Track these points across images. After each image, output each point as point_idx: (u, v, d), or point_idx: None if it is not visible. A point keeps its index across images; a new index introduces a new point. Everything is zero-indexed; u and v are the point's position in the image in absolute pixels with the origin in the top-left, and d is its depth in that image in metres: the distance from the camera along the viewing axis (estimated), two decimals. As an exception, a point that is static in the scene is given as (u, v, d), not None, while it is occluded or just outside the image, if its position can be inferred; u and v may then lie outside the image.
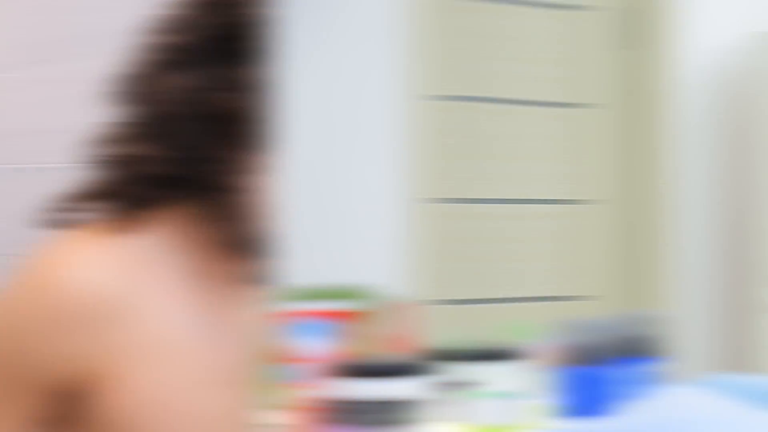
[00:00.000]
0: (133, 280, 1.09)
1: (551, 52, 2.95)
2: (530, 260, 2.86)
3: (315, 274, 2.10)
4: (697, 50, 3.19)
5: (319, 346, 1.39)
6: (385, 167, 2.52)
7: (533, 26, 2.90)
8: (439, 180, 2.68)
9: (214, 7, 1.20)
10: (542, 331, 1.85)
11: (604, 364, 1.26)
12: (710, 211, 3.29)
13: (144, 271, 1.11)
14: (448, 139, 2.72)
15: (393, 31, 2.54)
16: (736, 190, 3.34)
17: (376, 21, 2.52)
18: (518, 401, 1.29)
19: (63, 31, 2.45)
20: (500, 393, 1.33)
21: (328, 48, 2.42)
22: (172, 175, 1.14)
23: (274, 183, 1.33)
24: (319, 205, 2.41)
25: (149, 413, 1.09)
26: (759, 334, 3.21)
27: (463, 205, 2.76)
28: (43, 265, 1.08)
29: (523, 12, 2.88)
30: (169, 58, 1.18)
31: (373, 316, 1.58)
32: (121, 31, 1.15)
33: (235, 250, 1.21)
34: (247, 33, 1.20)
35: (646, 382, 1.29)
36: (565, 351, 1.26)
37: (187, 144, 1.14)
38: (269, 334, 1.52)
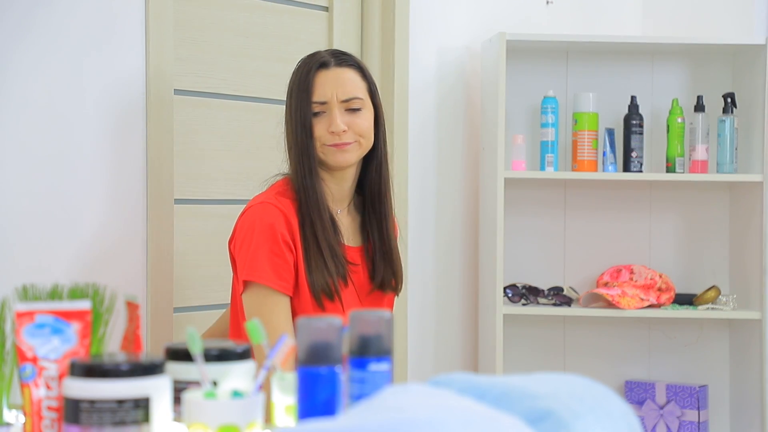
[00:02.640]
0: None
1: (286, 51, 2.98)
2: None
3: (50, 274, 2.03)
4: (434, 51, 3.30)
5: (54, 346, 1.35)
6: (121, 166, 2.48)
7: (268, 22, 2.92)
8: (178, 180, 2.66)
9: None
10: (276, 332, 1.87)
11: (336, 364, 1.28)
12: (442, 211, 3.41)
13: None
14: (186, 138, 2.70)
15: (128, 22, 2.49)
16: (468, 191, 3.48)
17: (109, 11, 2.46)
18: (252, 400, 1.30)
19: None
20: (234, 392, 1.34)
21: (50, 42, 2.36)
22: None
23: None
24: (51, 205, 2.34)
25: None
26: (490, 335, 3.35)
27: (201, 205, 2.75)
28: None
29: (260, 6, 2.89)
30: None
31: (108, 317, 1.55)
32: None
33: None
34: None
35: (378, 381, 1.32)
36: (298, 351, 1.28)
37: None
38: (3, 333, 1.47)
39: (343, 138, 2.23)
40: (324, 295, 2.20)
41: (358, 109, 2.25)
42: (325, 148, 2.24)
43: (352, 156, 2.26)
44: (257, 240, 2.18)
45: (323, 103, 2.24)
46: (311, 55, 2.31)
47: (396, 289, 2.35)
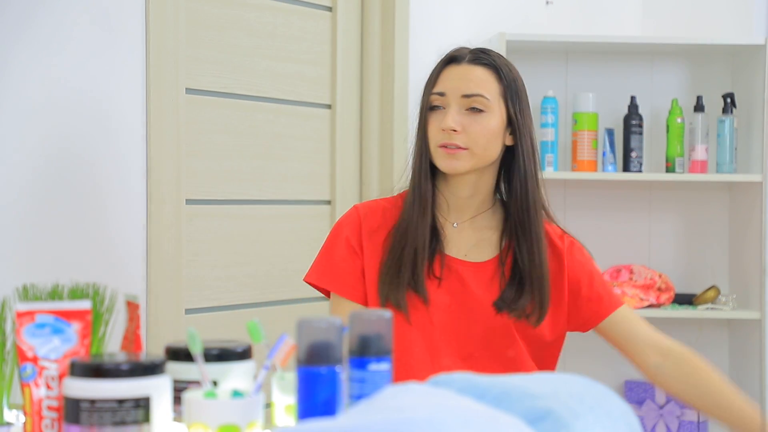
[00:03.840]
0: None
1: (304, 52, 2.99)
2: (275, 263, 2.87)
3: (50, 274, 2.03)
4: (434, 51, 3.30)
5: (54, 345, 1.35)
6: (121, 166, 2.48)
7: (277, 22, 2.92)
8: (190, 180, 2.66)
9: None
10: (277, 332, 1.87)
11: (336, 364, 1.28)
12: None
13: None
14: (198, 137, 2.70)
15: (136, 22, 2.49)
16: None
17: (109, 10, 2.46)
18: (252, 400, 1.30)
19: None
20: (234, 392, 1.34)
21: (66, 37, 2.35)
22: None
23: None
24: (52, 204, 2.34)
25: None
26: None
27: (213, 206, 2.75)
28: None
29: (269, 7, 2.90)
30: None
31: (108, 317, 1.55)
32: None
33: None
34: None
35: (378, 381, 1.32)
36: (298, 351, 1.28)
37: None
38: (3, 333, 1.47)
39: (454, 139, 1.97)
40: (391, 306, 1.98)
41: (481, 111, 1.98)
42: (437, 150, 2.00)
43: (462, 164, 1.98)
44: (326, 240, 2.09)
45: (442, 95, 2.01)
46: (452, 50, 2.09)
47: (531, 318, 2.03)
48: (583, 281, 2.07)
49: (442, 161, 1.99)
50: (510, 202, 2.05)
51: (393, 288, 1.98)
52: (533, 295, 2.01)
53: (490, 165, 2.04)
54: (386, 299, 1.98)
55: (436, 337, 2.00)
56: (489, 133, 1.98)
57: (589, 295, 2.08)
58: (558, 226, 2.10)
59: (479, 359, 2.01)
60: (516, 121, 2.01)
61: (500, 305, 2.01)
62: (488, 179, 2.05)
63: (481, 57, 2.02)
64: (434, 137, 2.00)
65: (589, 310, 2.09)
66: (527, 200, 2.02)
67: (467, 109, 1.98)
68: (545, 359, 2.10)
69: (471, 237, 2.06)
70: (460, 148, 1.97)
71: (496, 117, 2.00)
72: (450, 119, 1.97)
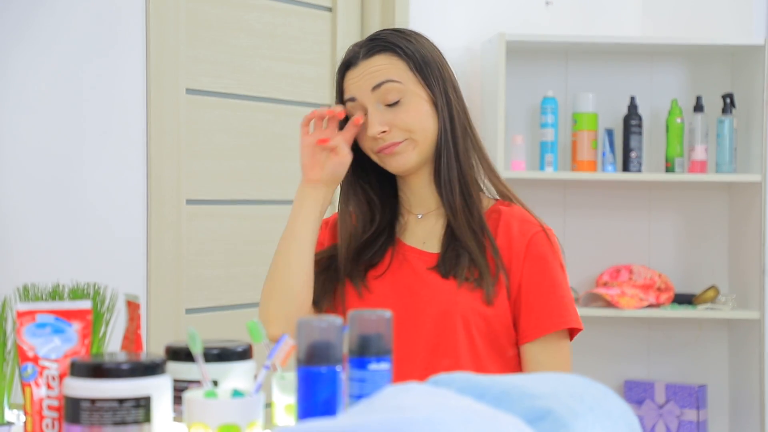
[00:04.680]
0: None
1: (305, 52, 2.99)
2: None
3: (50, 274, 2.04)
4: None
5: (54, 345, 1.35)
6: (122, 166, 2.48)
7: (277, 22, 2.93)
8: (191, 180, 2.66)
9: None
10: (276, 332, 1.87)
11: (336, 364, 1.28)
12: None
13: None
14: (199, 138, 2.70)
15: (138, 24, 2.50)
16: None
17: (109, 10, 2.47)
18: (252, 400, 1.30)
19: None
20: (235, 392, 1.34)
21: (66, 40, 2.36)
22: None
23: None
24: (52, 204, 2.34)
25: None
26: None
27: (214, 206, 2.76)
28: None
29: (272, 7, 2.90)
30: None
31: (109, 316, 1.56)
32: None
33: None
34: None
35: (378, 381, 1.32)
36: (298, 351, 1.29)
37: None
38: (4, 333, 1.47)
39: (387, 139, 1.82)
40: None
41: (398, 101, 1.80)
42: (377, 157, 1.85)
43: (408, 158, 1.83)
44: None
45: (353, 100, 1.83)
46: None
47: (478, 289, 1.80)
48: (528, 287, 1.84)
49: (387, 164, 1.84)
50: (441, 187, 1.85)
51: (326, 282, 1.87)
52: (471, 260, 1.80)
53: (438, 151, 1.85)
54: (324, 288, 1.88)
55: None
56: (419, 115, 1.80)
57: (529, 305, 1.83)
58: (526, 211, 1.91)
59: (424, 356, 1.82)
60: (433, 90, 1.81)
61: (440, 268, 1.81)
62: (430, 152, 1.86)
63: (374, 45, 1.83)
64: (368, 147, 1.84)
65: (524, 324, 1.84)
66: (458, 181, 1.83)
67: (386, 106, 1.80)
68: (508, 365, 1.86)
69: (435, 226, 1.88)
70: (396, 143, 1.81)
71: (417, 97, 1.81)
72: (374, 123, 1.80)
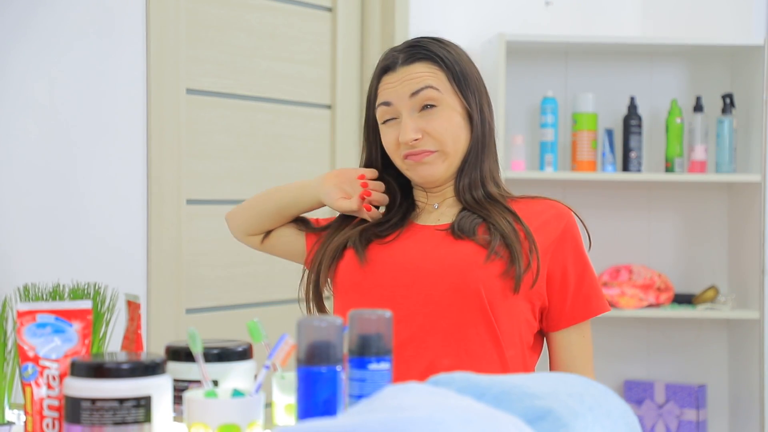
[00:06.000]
0: None
1: (303, 52, 2.99)
2: (275, 263, 2.87)
3: (50, 274, 2.04)
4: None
5: (55, 345, 1.35)
6: (121, 166, 2.48)
7: (278, 23, 2.93)
8: (191, 180, 2.66)
9: None
10: (277, 332, 1.87)
11: (336, 363, 1.28)
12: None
13: None
14: (199, 138, 2.70)
15: (136, 21, 2.50)
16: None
17: (110, 10, 2.47)
18: (252, 400, 1.30)
19: None
20: (235, 392, 1.34)
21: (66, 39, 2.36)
22: None
23: None
24: (52, 204, 2.34)
25: None
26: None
27: (215, 206, 2.76)
28: None
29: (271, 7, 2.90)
30: None
31: (109, 316, 1.56)
32: None
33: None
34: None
35: (378, 380, 1.32)
36: (298, 351, 1.29)
37: None
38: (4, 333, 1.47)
39: (418, 146, 1.79)
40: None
41: (434, 106, 1.78)
42: (404, 163, 1.83)
43: (437, 169, 1.81)
44: None
45: (388, 104, 1.81)
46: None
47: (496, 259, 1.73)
48: (569, 276, 1.84)
49: (414, 172, 1.82)
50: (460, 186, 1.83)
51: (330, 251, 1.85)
52: (503, 238, 1.75)
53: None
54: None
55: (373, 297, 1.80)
56: (452, 127, 1.79)
57: (565, 294, 1.83)
58: (552, 201, 1.92)
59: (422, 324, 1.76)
60: (469, 104, 1.80)
61: (454, 230, 1.77)
62: (457, 164, 1.84)
63: (415, 53, 1.81)
64: (395, 151, 1.82)
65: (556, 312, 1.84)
66: (472, 192, 1.81)
67: (420, 111, 1.79)
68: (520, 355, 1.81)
69: (450, 212, 1.85)
70: (428, 151, 1.79)
71: (451, 108, 1.79)
72: (408, 130, 1.78)
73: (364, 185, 1.87)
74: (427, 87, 1.78)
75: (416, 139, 1.78)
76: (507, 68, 3.34)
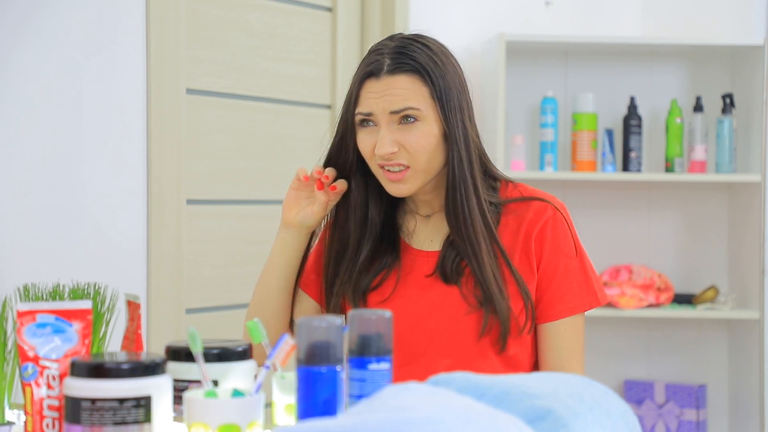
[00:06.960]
0: None
1: (303, 52, 2.99)
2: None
3: (50, 274, 2.04)
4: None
5: (55, 345, 1.35)
6: (126, 165, 2.48)
7: (277, 23, 2.93)
8: (191, 180, 2.66)
9: None
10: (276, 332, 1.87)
11: (336, 364, 1.29)
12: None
13: None
14: (199, 138, 2.70)
15: (138, 24, 2.50)
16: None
17: (110, 10, 2.47)
18: (252, 400, 1.30)
19: None
20: (235, 392, 1.34)
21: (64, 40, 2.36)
22: None
23: None
24: (52, 204, 2.34)
25: None
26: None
27: (215, 206, 2.76)
28: None
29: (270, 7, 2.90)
30: None
31: (109, 316, 1.56)
32: None
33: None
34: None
35: (378, 380, 1.32)
36: (298, 351, 1.29)
37: None
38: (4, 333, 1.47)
39: (393, 159, 1.78)
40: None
41: (414, 120, 1.77)
42: (378, 171, 1.82)
43: (409, 187, 1.80)
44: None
45: (368, 115, 1.79)
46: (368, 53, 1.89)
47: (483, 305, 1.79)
48: (550, 271, 1.84)
49: (388, 186, 1.81)
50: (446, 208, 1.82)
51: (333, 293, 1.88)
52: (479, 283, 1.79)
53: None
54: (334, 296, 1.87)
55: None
56: (429, 144, 1.77)
57: (547, 288, 1.83)
58: (539, 201, 1.86)
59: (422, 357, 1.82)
60: (448, 123, 1.78)
61: (440, 271, 1.82)
62: (436, 179, 1.85)
63: (401, 63, 1.78)
64: (371, 158, 1.80)
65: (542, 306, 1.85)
66: (466, 213, 1.80)
67: (399, 123, 1.77)
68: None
69: (439, 229, 1.87)
70: (403, 167, 1.78)
71: (431, 123, 1.78)
72: (385, 143, 1.76)
73: (319, 172, 1.83)
74: (407, 108, 1.76)
75: (393, 153, 1.77)
76: (507, 68, 3.34)
